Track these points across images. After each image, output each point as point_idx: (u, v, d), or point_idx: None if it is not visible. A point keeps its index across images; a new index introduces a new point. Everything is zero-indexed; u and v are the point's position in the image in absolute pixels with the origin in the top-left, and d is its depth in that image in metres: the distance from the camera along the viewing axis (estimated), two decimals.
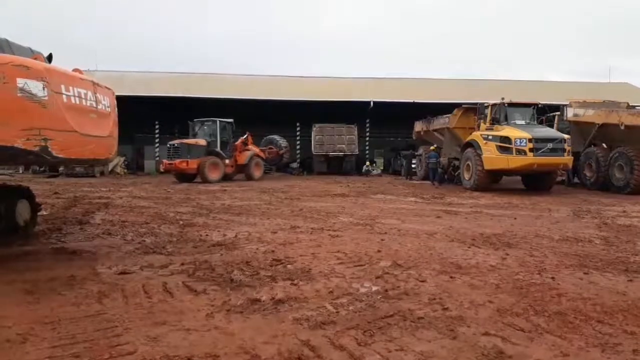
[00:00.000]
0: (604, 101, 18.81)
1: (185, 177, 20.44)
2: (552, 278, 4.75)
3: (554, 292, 4.27)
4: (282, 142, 26.42)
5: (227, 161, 21.35)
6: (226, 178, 21.57)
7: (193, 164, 19.95)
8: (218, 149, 21.23)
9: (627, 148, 15.66)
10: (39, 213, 7.55)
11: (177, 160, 20.19)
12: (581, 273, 4.99)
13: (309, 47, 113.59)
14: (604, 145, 17.54)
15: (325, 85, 33.95)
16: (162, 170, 22.81)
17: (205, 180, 19.88)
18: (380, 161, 34.10)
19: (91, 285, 4.39)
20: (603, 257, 5.78)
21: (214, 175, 20.32)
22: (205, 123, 21.89)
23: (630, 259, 5.73)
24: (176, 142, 21.07)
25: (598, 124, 16.95)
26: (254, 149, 23.43)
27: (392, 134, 34.88)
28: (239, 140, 22.75)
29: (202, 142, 20.92)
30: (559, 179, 18.53)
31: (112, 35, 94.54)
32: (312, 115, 29.53)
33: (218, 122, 21.67)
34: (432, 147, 21.14)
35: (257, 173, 22.72)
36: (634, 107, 19.16)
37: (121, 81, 27.06)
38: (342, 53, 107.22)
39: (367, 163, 30.61)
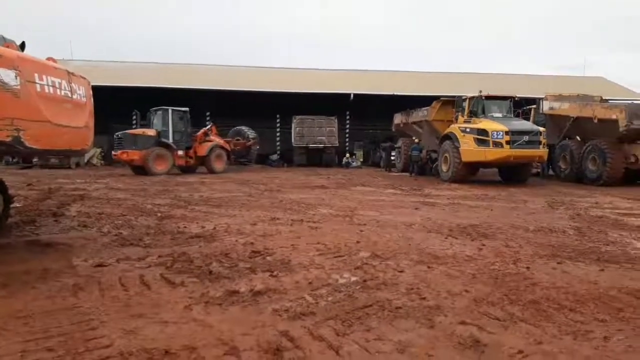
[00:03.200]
0: (578, 95, 19.18)
1: (140, 169, 19.39)
2: (527, 268, 4.85)
3: (528, 281, 4.37)
4: (250, 133, 25.40)
5: (180, 152, 20.24)
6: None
7: (134, 154, 18.88)
8: (170, 139, 20.14)
9: (600, 141, 16.02)
10: (11, 205, 7.37)
11: (119, 151, 19.29)
12: (555, 263, 5.11)
13: (288, 39, 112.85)
14: (578, 138, 17.93)
15: (306, 77, 33.85)
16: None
17: (150, 173, 18.78)
18: (360, 153, 34.21)
19: (66, 278, 4.31)
20: (576, 247, 5.92)
21: (159, 167, 19.17)
22: (158, 112, 20.64)
23: (601, 249, 5.88)
24: (120, 132, 19.88)
25: (573, 117, 17.30)
26: (217, 140, 22.32)
27: (371, 126, 35.01)
28: (201, 131, 21.71)
29: (150, 132, 19.80)
30: (534, 171, 18.88)
31: (87, 28, 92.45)
32: (292, 107, 29.41)
33: (170, 110, 20.51)
34: (416, 140, 21.28)
35: (218, 165, 21.50)
36: (607, 101, 19.59)
37: (97, 71, 26.53)
38: (323, 45, 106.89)
39: (347, 155, 30.69)
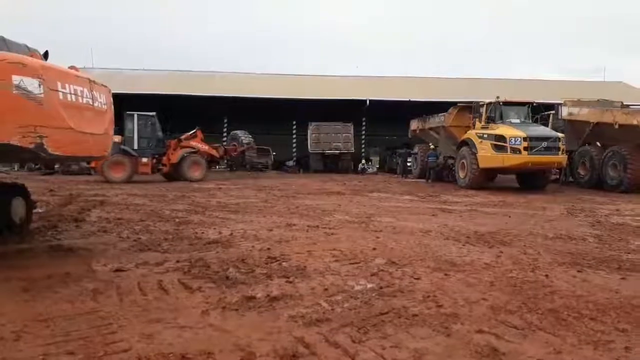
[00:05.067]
0: (598, 100, 18.88)
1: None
2: (546, 276, 4.79)
3: (547, 289, 4.31)
4: (245, 138, 24.03)
5: (144, 159, 18.99)
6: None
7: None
8: (135, 145, 19.02)
9: (620, 147, 15.75)
10: (34, 210, 7.53)
11: None
12: (574, 271, 5.03)
13: (304, 45, 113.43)
14: (598, 144, 17.64)
15: (322, 84, 33.96)
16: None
17: (107, 180, 18.04)
18: (376, 159, 34.10)
19: (86, 283, 4.39)
20: (596, 255, 5.82)
21: (117, 174, 18.26)
22: (127, 117, 19.28)
23: (623, 257, 5.78)
24: None
25: (592, 122, 17.02)
26: (200, 146, 20.80)
27: (387, 133, 34.92)
28: (182, 137, 20.48)
29: (114, 138, 19.07)
30: (553, 177, 18.62)
31: (107, 34, 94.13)
32: (308, 114, 29.51)
33: (135, 115, 19.22)
34: (432, 147, 21.18)
35: (194, 174, 19.77)
36: (628, 106, 19.26)
37: (118, 78, 26.98)
38: (338, 51, 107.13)
39: (363, 161, 30.65)
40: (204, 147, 21.24)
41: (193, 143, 20.73)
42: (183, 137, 20.62)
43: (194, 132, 21.11)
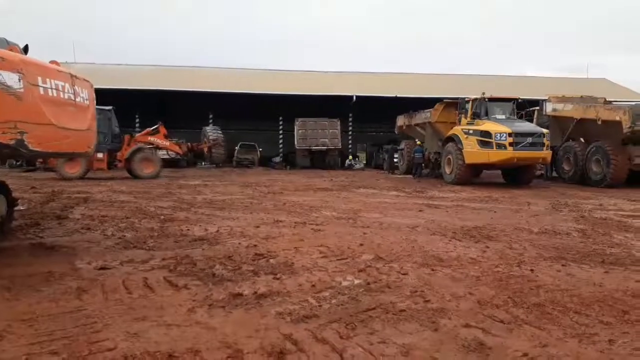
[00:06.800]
0: (582, 96, 19.12)
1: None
2: (531, 270, 4.83)
3: (532, 284, 4.35)
4: (212, 134, 23.67)
5: (99, 155, 18.00)
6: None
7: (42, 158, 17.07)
8: None
9: (603, 142, 15.98)
10: (15, 208, 7.38)
11: None
12: (559, 265, 5.08)
13: (292, 41, 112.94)
14: (582, 139, 17.89)
15: (308, 80, 33.91)
16: None
17: (62, 176, 17.63)
18: (362, 155, 34.25)
19: (70, 281, 4.32)
20: (580, 250, 5.89)
21: (71, 170, 17.75)
22: None
23: (606, 251, 5.86)
24: None
25: (576, 118, 17.26)
26: (159, 142, 20.24)
27: (374, 129, 35.05)
28: (142, 132, 20.20)
29: None
30: (537, 172, 18.83)
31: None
32: (294, 110, 29.46)
33: None
34: (418, 142, 21.25)
35: (146, 170, 19.07)
36: (611, 102, 19.52)
37: (101, 74, 26.61)
38: (326, 48, 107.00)
39: (350, 157, 30.71)
40: (165, 143, 20.63)
41: (151, 138, 20.07)
42: (143, 132, 19.96)
43: (156, 127, 20.49)
